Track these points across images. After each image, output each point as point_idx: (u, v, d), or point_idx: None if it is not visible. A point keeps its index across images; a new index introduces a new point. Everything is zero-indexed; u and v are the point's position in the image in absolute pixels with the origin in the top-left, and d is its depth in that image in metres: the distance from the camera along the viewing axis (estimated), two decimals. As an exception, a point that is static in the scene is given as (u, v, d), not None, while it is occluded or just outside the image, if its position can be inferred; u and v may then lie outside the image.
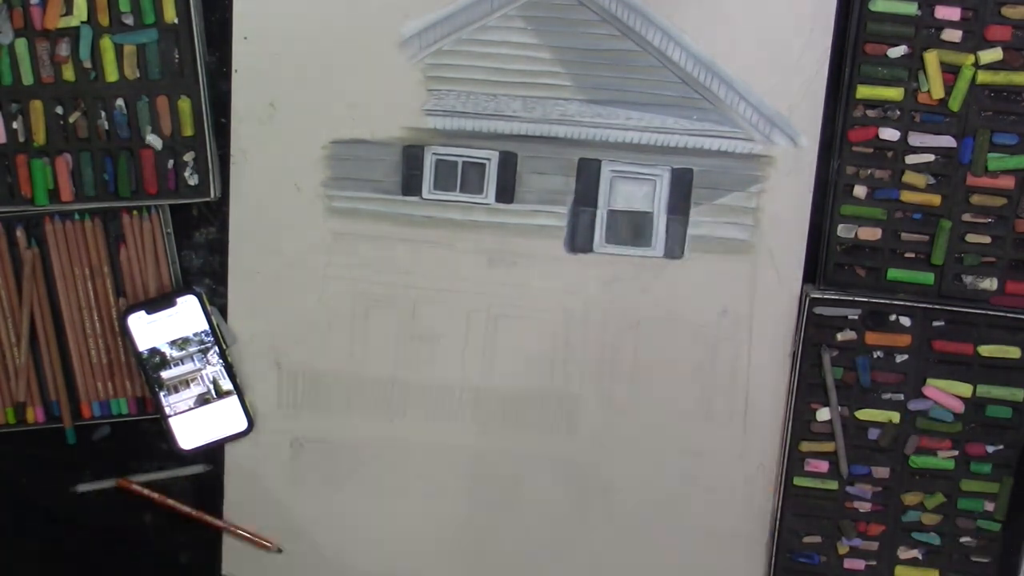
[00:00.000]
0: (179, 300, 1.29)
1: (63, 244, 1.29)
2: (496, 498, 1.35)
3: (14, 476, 1.36)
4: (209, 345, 1.30)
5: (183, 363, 1.30)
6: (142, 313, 1.29)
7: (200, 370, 1.30)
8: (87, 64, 1.24)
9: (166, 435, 1.31)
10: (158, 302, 1.29)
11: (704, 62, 1.24)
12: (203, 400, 1.31)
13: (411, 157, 1.27)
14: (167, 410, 1.30)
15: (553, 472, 1.34)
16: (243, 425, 1.33)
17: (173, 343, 1.29)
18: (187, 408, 1.31)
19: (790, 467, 1.32)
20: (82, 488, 1.35)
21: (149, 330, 1.29)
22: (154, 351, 1.29)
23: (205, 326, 1.30)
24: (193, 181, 1.27)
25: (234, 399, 1.32)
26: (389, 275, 1.30)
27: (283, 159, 1.28)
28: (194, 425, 1.32)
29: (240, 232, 1.31)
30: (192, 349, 1.30)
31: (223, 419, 1.32)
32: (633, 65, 1.25)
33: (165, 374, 1.30)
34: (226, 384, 1.31)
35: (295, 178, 1.29)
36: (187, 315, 1.29)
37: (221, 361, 1.31)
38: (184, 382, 1.30)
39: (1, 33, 1.23)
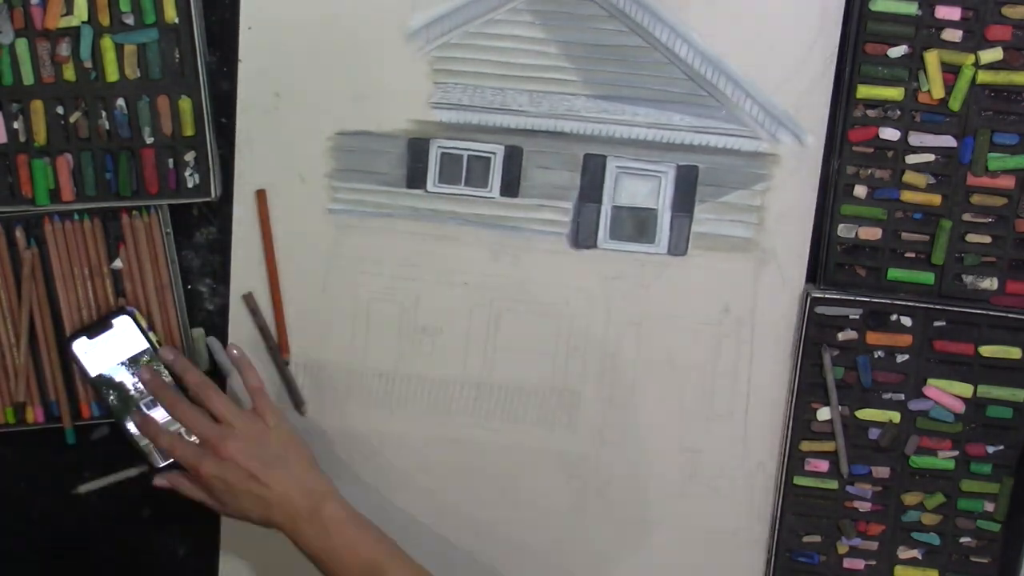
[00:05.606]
0: (115, 321, 1.28)
1: (63, 244, 1.28)
2: (496, 493, 1.35)
3: (13, 476, 1.35)
4: (155, 362, 1.29)
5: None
6: (84, 339, 1.28)
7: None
8: (88, 64, 1.24)
9: (143, 456, 1.31)
10: (96, 326, 1.28)
11: (711, 59, 1.24)
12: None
13: (416, 150, 1.28)
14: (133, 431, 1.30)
15: (553, 468, 1.34)
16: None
17: (124, 363, 1.29)
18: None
19: (790, 466, 1.32)
20: (82, 488, 1.35)
21: (96, 354, 1.28)
22: (110, 375, 1.29)
23: (145, 344, 1.28)
24: (193, 181, 1.27)
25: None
26: (392, 268, 1.30)
27: (288, 150, 1.28)
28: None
29: (244, 223, 1.30)
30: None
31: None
32: (640, 61, 1.25)
33: (134, 394, 1.29)
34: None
35: (299, 169, 1.29)
36: (126, 335, 1.28)
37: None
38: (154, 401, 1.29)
39: (1, 33, 1.23)
